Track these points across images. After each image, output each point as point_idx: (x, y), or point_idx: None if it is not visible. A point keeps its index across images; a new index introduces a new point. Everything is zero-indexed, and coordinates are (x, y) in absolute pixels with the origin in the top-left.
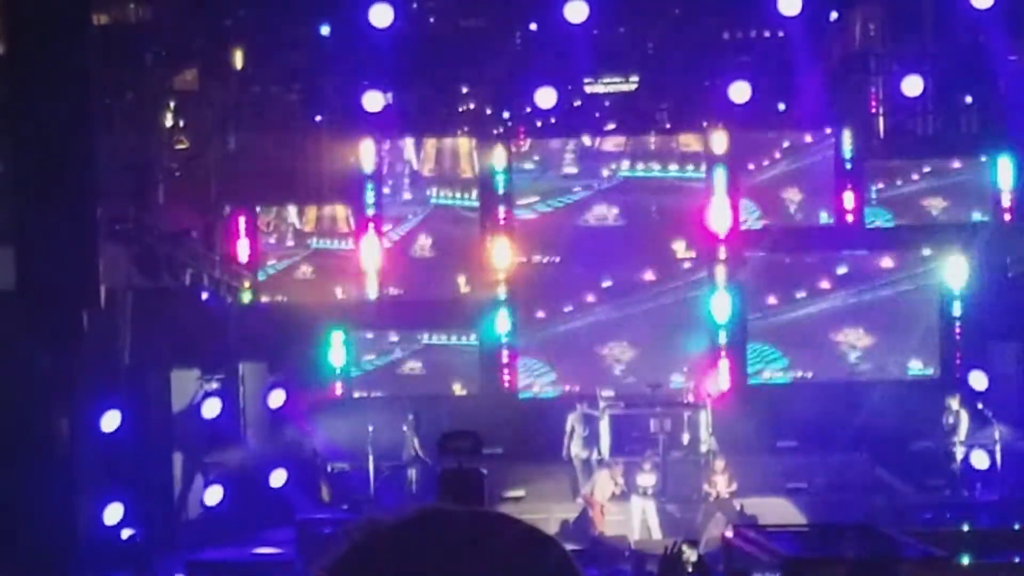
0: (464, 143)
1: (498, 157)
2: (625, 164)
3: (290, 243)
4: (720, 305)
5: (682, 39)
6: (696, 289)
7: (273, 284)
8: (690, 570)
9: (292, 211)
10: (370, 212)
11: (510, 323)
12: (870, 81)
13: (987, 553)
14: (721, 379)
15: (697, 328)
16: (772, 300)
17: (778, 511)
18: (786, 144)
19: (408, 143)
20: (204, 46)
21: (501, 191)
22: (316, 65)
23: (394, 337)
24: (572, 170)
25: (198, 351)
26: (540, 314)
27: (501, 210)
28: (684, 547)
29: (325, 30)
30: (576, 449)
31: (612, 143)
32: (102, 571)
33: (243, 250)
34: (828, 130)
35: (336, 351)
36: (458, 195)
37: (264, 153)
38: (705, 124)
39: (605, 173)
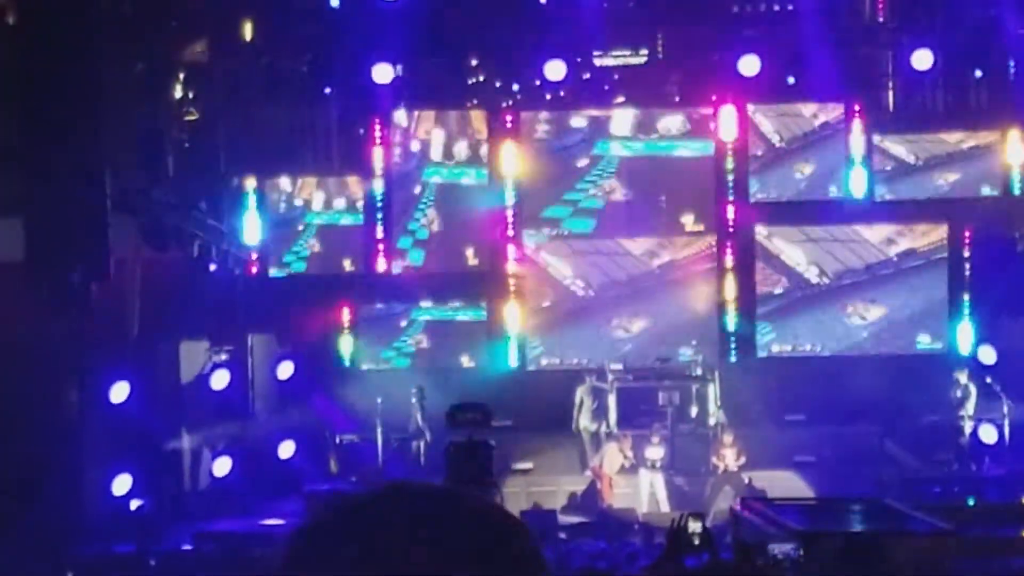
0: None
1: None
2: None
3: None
4: (729, 279)
5: (692, 12)
6: (705, 262)
7: (280, 255)
8: (696, 542)
9: (285, 181)
10: (378, 183)
11: (519, 296)
12: (880, 55)
13: (995, 527)
14: (730, 351)
15: (706, 301)
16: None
17: (786, 484)
18: (796, 117)
19: (401, 114)
20: (214, 17)
21: (509, 160)
22: (326, 37)
23: (401, 309)
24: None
25: (207, 322)
26: (547, 287)
27: (509, 180)
28: (690, 519)
29: (335, 1)
30: (585, 422)
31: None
32: (110, 542)
33: (252, 222)
34: (838, 104)
35: (344, 322)
36: (456, 167)
37: (273, 125)
38: (714, 98)
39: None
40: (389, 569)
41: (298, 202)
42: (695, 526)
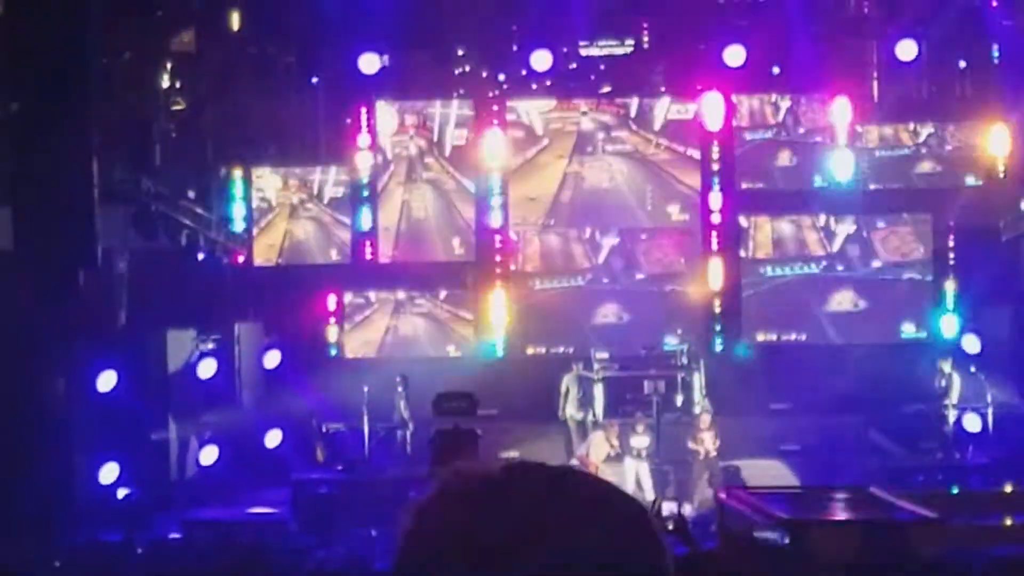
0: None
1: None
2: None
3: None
4: (715, 268)
5: (677, 2)
6: (690, 251)
7: (268, 245)
8: (671, 527)
9: (273, 170)
10: (365, 172)
11: (505, 286)
12: (865, 45)
13: (979, 515)
14: (715, 340)
15: (691, 290)
16: (767, 264)
17: (771, 473)
18: (780, 107)
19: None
20: (201, 7)
21: (495, 150)
22: (313, 27)
23: (389, 298)
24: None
25: (194, 311)
26: (535, 277)
27: (496, 171)
28: (663, 504)
29: None
30: (571, 410)
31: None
32: (98, 530)
33: (239, 211)
34: (823, 94)
35: (331, 311)
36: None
37: (261, 115)
38: (700, 88)
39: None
40: (506, 544)
41: (285, 191)
42: (670, 511)
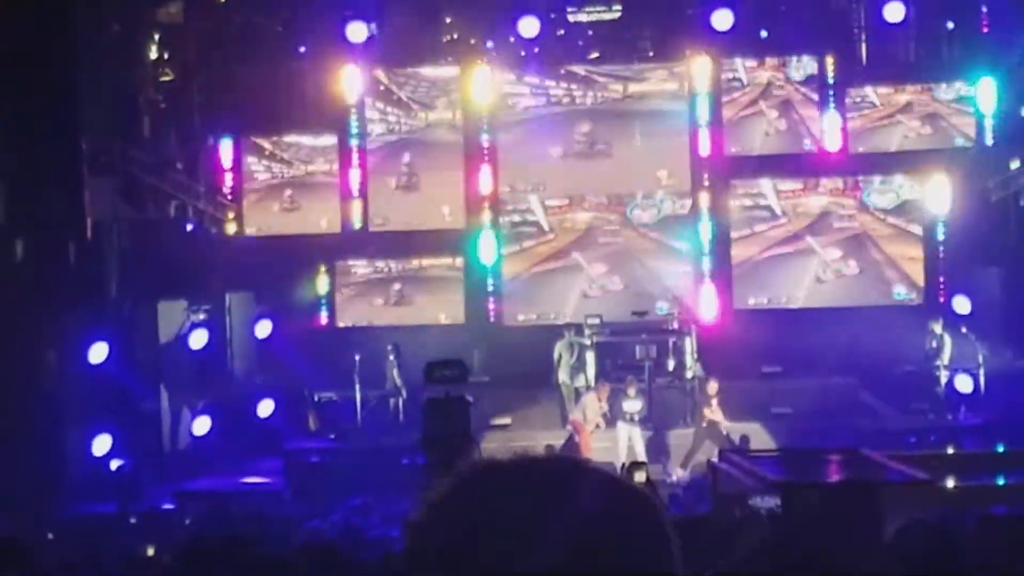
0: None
1: (482, 86)
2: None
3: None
4: (705, 231)
5: None
6: (680, 216)
7: (257, 214)
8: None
9: (261, 139)
10: (354, 142)
11: (495, 252)
12: (852, 7)
13: (971, 476)
14: (707, 305)
15: (682, 254)
16: (758, 227)
17: (763, 436)
18: (769, 70)
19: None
20: None
21: (484, 117)
22: None
23: (379, 267)
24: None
25: (185, 282)
26: (527, 243)
27: (484, 137)
28: (634, 470)
29: None
30: (563, 376)
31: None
32: (91, 501)
33: (227, 181)
34: (811, 56)
35: (321, 281)
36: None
37: (248, 84)
38: (688, 52)
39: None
40: (516, 534)
41: (274, 160)
42: (639, 476)
